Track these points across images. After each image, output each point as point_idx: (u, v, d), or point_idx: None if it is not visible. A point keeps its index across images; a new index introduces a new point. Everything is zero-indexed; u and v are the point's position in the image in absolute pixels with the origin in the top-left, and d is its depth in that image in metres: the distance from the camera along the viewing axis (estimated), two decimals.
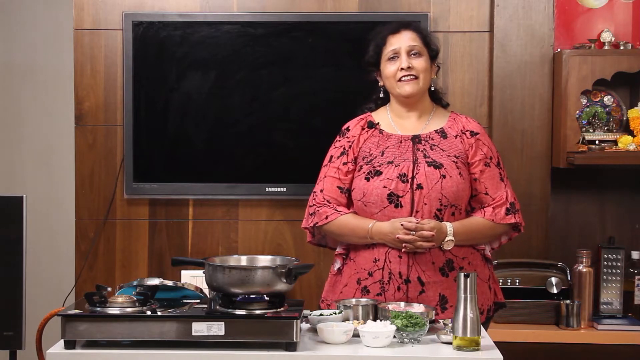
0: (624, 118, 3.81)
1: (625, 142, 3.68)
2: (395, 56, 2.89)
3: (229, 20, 3.85)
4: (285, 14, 3.86)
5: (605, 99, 3.84)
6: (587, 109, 3.81)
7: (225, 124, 3.86)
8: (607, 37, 3.77)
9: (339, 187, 2.91)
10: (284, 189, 3.84)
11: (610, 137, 3.76)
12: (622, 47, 3.75)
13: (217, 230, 3.94)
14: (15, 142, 4.77)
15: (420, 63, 2.88)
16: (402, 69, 2.86)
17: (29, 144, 4.77)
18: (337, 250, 2.97)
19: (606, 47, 3.76)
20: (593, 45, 3.75)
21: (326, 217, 2.89)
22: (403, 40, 2.89)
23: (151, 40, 3.84)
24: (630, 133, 3.74)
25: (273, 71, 3.84)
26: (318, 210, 2.91)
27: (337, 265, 2.96)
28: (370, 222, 2.82)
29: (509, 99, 3.83)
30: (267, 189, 3.85)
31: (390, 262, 2.80)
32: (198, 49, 3.84)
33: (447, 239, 2.78)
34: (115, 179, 3.91)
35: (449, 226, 2.79)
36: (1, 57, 4.75)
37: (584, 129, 3.76)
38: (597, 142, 3.72)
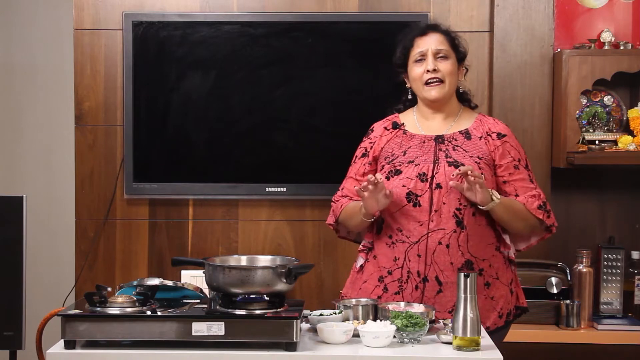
0: (624, 118, 3.81)
1: (625, 142, 3.68)
2: (422, 58, 2.89)
3: (229, 20, 3.85)
4: (285, 14, 3.86)
5: (605, 99, 3.84)
6: (587, 109, 3.81)
7: (225, 124, 3.86)
8: (607, 37, 3.77)
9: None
10: (284, 189, 3.84)
11: (610, 137, 3.76)
12: (622, 47, 3.75)
13: (217, 230, 3.94)
14: (15, 142, 4.77)
15: (446, 66, 2.88)
16: (428, 71, 2.86)
17: (29, 144, 4.77)
18: (359, 246, 2.99)
19: (606, 47, 3.76)
20: (593, 45, 3.75)
21: (340, 206, 2.94)
22: (430, 43, 2.89)
23: (151, 40, 3.84)
24: (630, 133, 3.74)
25: (273, 71, 3.84)
26: (335, 205, 2.97)
27: (360, 262, 2.96)
28: None
29: (509, 99, 3.83)
30: (267, 189, 3.85)
31: (409, 260, 2.81)
32: (198, 49, 3.84)
33: (492, 193, 2.75)
34: (115, 179, 3.91)
35: (494, 194, 2.77)
36: (1, 57, 4.75)
37: (584, 129, 3.76)
38: (597, 142, 3.72)
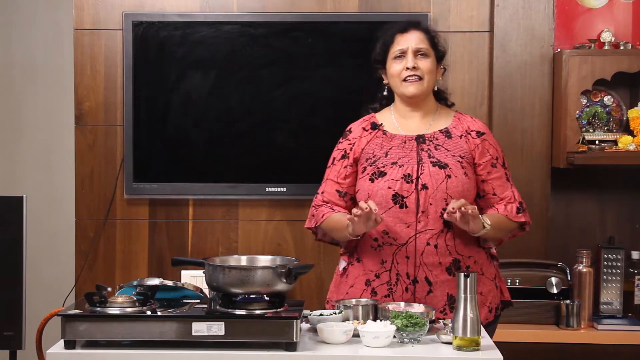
0: (624, 118, 3.81)
1: (625, 142, 3.68)
2: (401, 55, 2.89)
3: (229, 20, 3.85)
4: (285, 14, 3.86)
5: (605, 99, 3.84)
6: (587, 109, 3.81)
7: (225, 124, 3.86)
8: (607, 37, 3.77)
9: (338, 191, 2.93)
10: (284, 189, 3.84)
11: (610, 137, 3.76)
12: (622, 47, 3.75)
13: (217, 230, 3.94)
14: (15, 142, 4.77)
15: (425, 64, 2.88)
16: (407, 68, 2.86)
17: (29, 144, 4.77)
18: (341, 249, 2.98)
19: (606, 47, 3.76)
20: (593, 45, 3.75)
21: (322, 216, 2.91)
22: (411, 40, 2.89)
23: (151, 40, 3.84)
24: (630, 133, 3.74)
25: (273, 71, 3.84)
26: (316, 211, 2.94)
27: (343, 265, 2.96)
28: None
29: (509, 99, 3.83)
30: (267, 189, 3.85)
31: (397, 263, 2.80)
32: (198, 49, 3.84)
33: (483, 220, 2.76)
34: (115, 179, 3.91)
35: (485, 221, 2.78)
36: (1, 57, 4.75)
37: (584, 129, 3.76)
38: (597, 142, 3.72)
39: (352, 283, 2.90)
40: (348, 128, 3.00)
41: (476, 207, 2.75)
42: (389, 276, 2.82)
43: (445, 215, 2.74)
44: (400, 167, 2.83)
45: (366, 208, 2.67)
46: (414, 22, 2.96)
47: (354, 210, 2.71)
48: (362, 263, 2.88)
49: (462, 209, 2.67)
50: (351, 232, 2.78)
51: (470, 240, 2.84)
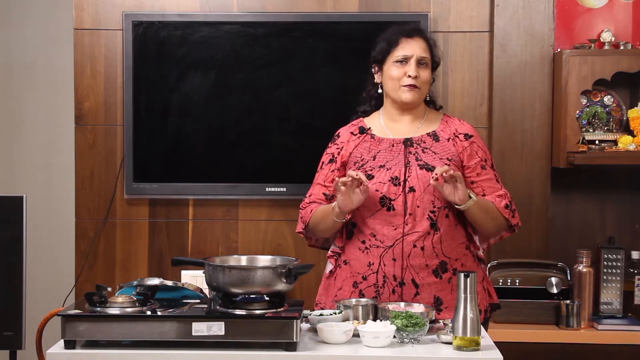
0: (624, 118, 3.81)
1: (625, 142, 3.68)
2: (404, 61, 2.89)
3: (229, 20, 3.85)
4: (285, 14, 3.86)
5: (605, 99, 3.84)
6: (587, 109, 3.81)
7: (225, 124, 3.86)
8: (607, 37, 3.77)
9: (325, 194, 2.95)
10: (284, 189, 3.84)
11: (610, 137, 3.76)
12: (622, 47, 3.75)
13: (217, 230, 3.94)
14: (15, 142, 4.77)
15: (425, 74, 2.90)
16: (409, 76, 2.86)
17: (29, 144, 4.77)
18: (328, 252, 2.98)
19: (606, 47, 3.76)
20: (593, 45, 3.75)
21: (310, 211, 2.93)
22: (416, 48, 2.89)
23: (151, 40, 3.85)
24: (630, 133, 3.74)
25: (273, 71, 3.84)
26: (304, 211, 2.96)
27: (329, 267, 2.97)
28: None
29: (509, 98, 3.83)
30: (267, 189, 3.85)
31: (384, 265, 2.81)
32: (198, 49, 3.84)
33: (470, 193, 2.78)
34: (115, 179, 3.91)
35: (471, 193, 2.80)
36: (1, 57, 4.75)
37: (584, 129, 3.76)
38: (597, 142, 3.72)
39: (340, 285, 2.90)
40: (337, 133, 3.02)
41: (460, 173, 2.75)
42: (376, 278, 2.83)
43: (431, 181, 2.73)
44: (387, 170, 2.84)
45: (356, 175, 2.68)
46: (420, 30, 2.99)
47: (342, 179, 2.71)
48: (349, 265, 2.89)
49: (445, 174, 2.68)
50: (337, 213, 2.78)
51: (458, 242, 2.85)
